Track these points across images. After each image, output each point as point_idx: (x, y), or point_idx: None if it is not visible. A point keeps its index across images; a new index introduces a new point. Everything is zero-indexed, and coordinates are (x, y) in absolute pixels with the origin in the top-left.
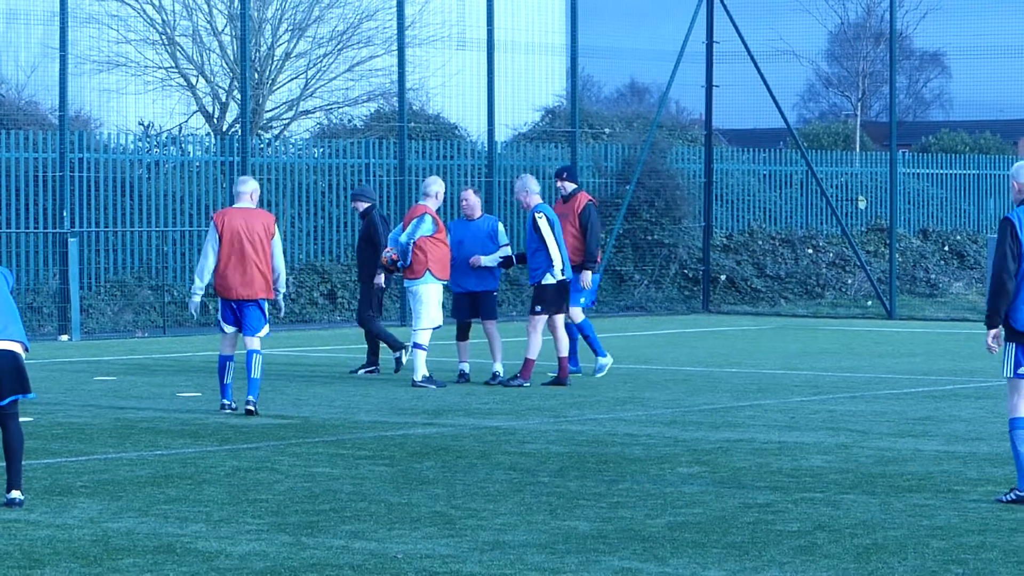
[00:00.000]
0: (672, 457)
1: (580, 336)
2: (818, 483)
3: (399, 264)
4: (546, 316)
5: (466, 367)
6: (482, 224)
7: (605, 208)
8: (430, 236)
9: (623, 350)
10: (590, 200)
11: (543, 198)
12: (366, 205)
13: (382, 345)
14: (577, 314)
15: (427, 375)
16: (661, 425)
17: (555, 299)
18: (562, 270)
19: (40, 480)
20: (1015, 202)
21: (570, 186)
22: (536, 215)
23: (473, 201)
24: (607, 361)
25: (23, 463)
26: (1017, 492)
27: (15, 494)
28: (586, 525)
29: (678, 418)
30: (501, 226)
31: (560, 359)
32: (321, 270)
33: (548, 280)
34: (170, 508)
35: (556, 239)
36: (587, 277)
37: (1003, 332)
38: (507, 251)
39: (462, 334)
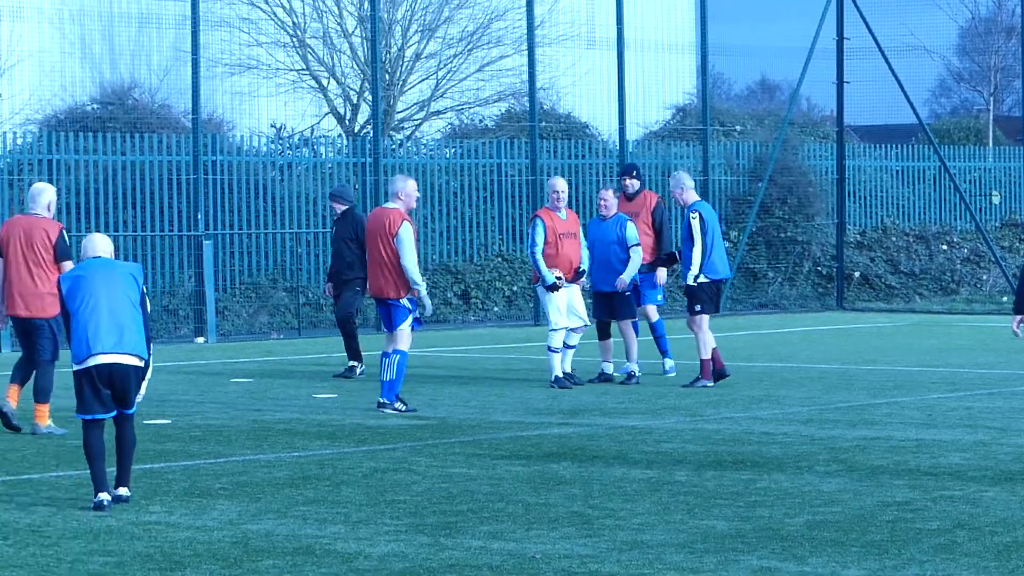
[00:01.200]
0: (809, 455)
1: (653, 336)
2: (957, 481)
3: (557, 276)
4: (708, 315)
5: (608, 367)
6: (612, 224)
7: (737, 206)
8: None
9: (757, 348)
10: (659, 199)
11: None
12: (344, 207)
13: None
14: (652, 312)
15: (563, 375)
16: (798, 423)
17: (711, 297)
18: (696, 276)
19: (179, 482)
20: None
21: (636, 184)
22: (691, 214)
23: (610, 201)
24: (673, 363)
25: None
26: None
27: (121, 491)
28: (724, 524)
29: (814, 416)
30: (631, 226)
31: (703, 361)
32: (454, 270)
33: (702, 279)
34: (308, 510)
35: (708, 242)
36: (662, 274)
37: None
38: (637, 252)
39: (602, 333)
